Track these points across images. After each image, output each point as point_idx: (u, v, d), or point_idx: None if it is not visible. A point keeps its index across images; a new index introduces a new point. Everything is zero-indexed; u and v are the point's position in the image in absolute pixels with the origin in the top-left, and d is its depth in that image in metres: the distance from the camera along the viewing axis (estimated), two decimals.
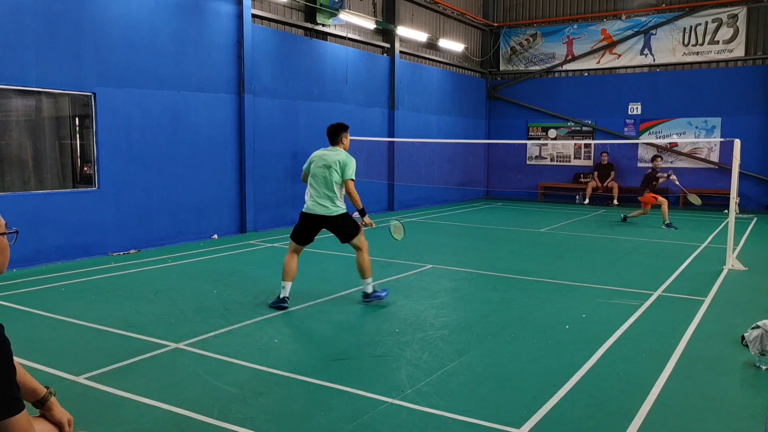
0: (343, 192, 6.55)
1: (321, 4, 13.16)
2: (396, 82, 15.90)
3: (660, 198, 13.52)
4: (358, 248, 6.62)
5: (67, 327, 5.75)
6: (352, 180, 6.46)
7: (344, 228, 6.55)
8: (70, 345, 5.26)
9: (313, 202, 6.47)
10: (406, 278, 8.02)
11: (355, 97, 14.67)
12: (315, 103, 13.43)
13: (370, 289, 6.64)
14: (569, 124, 19.61)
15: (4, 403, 1.86)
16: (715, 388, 4.44)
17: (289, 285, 6.46)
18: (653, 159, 14.25)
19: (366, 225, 6.64)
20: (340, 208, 6.49)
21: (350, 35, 14.49)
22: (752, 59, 17.11)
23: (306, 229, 6.60)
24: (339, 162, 6.45)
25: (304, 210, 6.57)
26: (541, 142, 19.80)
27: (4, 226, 2.07)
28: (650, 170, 13.91)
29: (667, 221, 13.22)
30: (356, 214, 6.71)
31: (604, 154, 18.24)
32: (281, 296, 6.43)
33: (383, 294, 6.70)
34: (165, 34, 10.06)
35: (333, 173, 6.42)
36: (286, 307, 6.38)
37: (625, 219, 14.22)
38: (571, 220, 14.53)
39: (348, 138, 6.76)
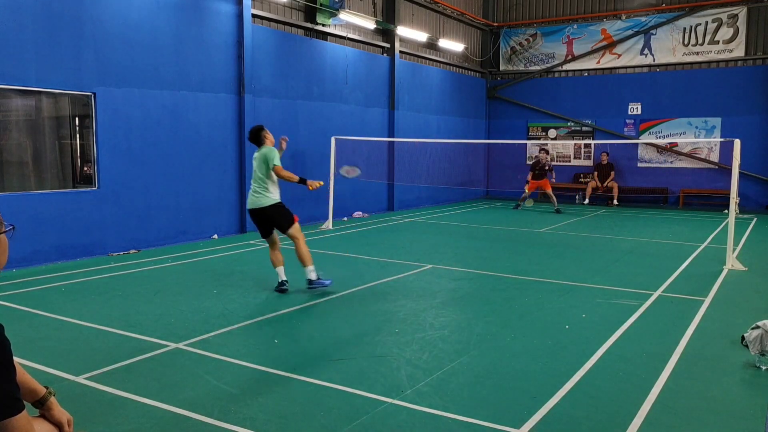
0: (276, 180, 7.15)
1: (321, 4, 13.17)
2: (396, 82, 15.90)
3: (542, 185, 16.35)
4: (294, 238, 7.12)
5: (67, 327, 5.75)
6: (278, 165, 7.04)
7: (279, 219, 7.13)
8: (70, 345, 5.26)
9: (251, 197, 7.19)
10: (406, 278, 8.02)
11: (355, 97, 14.68)
12: (315, 103, 13.43)
13: (313, 276, 7.11)
14: (569, 124, 19.61)
15: (4, 403, 1.86)
16: (715, 388, 4.44)
17: (281, 269, 7.19)
18: (539, 151, 17.50)
19: (313, 187, 7.19)
20: (271, 198, 7.10)
21: (350, 35, 14.50)
22: (752, 59, 17.11)
23: (258, 223, 7.27)
24: (264, 156, 7.09)
25: (248, 207, 7.30)
26: (541, 142, 19.79)
27: (2, 223, 2.07)
28: (536, 160, 16.71)
29: (556, 207, 16.23)
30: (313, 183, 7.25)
31: (604, 154, 18.24)
32: (279, 281, 7.15)
33: (327, 282, 7.19)
34: (165, 34, 10.06)
35: (261, 166, 7.08)
36: (286, 290, 7.08)
37: (517, 206, 16.96)
38: (571, 220, 14.53)
39: (269, 135, 7.34)
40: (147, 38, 9.78)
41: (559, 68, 19.69)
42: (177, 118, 10.37)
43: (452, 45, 18.06)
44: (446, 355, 5.04)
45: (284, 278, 7.15)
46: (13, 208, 8.09)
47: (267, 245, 7.45)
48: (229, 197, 11.46)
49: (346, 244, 10.76)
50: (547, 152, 17.56)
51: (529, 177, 16.75)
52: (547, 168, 16.46)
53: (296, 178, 7.10)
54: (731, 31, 17.14)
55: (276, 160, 7.02)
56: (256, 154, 7.22)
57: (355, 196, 14.68)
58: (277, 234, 7.30)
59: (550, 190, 16.40)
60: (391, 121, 16.01)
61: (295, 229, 7.13)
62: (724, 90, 17.29)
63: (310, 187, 7.15)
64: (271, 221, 7.15)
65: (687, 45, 17.73)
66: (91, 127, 9.22)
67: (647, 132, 18.37)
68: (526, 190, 16.84)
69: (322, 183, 7.33)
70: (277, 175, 7.04)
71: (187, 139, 10.55)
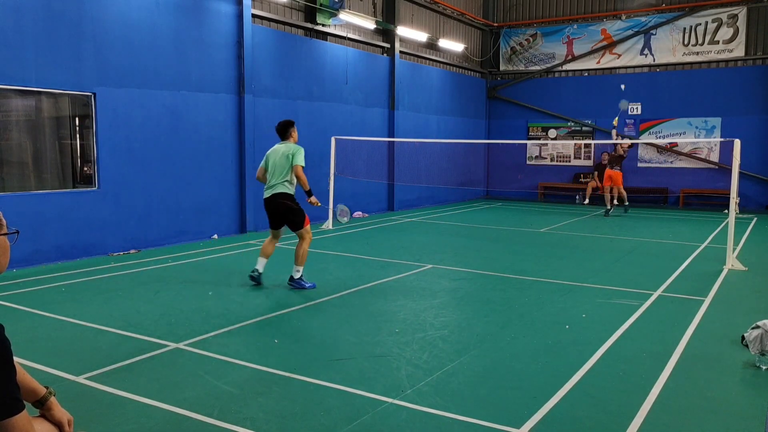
0: (294, 178, 7.25)
1: (321, 4, 13.17)
2: (396, 82, 15.90)
3: (615, 177, 15.41)
4: (302, 237, 7.28)
5: (67, 327, 5.75)
6: (302, 165, 7.18)
7: (293, 217, 7.23)
8: (70, 345, 5.26)
9: (267, 189, 7.27)
10: (406, 278, 8.02)
11: (355, 97, 14.68)
12: (315, 103, 13.43)
13: (297, 275, 7.30)
14: (569, 124, 19.61)
15: (4, 403, 1.86)
16: (715, 388, 4.44)
17: (263, 260, 7.38)
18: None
19: (313, 203, 7.36)
20: (289, 190, 7.24)
21: (350, 35, 14.50)
22: (752, 59, 17.11)
23: (271, 214, 7.35)
24: (292, 151, 7.20)
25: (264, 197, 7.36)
26: (541, 142, 19.80)
27: (5, 226, 2.07)
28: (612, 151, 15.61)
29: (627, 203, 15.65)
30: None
31: (605, 154, 18.20)
32: (256, 269, 7.36)
33: (308, 285, 7.31)
34: (165, 34, 10.06)
35: (283, 160, 7.18)
36: (256, 279, 7.33)
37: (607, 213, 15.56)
38: (571, 220, 14.53)
39: (295, 132, 7.47)
40: (147, 38, 9.78)
41: (559, 68, 19.69)
42: (177, 118, 10.37)
43: (452, 45, 18.06)
44: (446, 355, 5.04)
45: (260, 270, 7.34)
46: (13, 208, 8.09)
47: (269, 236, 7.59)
48: (229, 197, 11.46)
49: (346, 244, 10.76)
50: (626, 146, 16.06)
51: (599, 174, 15.78)
52: (617, 155, 15.38)
53: (308, 186, 7.27)
54: (731, 31, 17.14)
55: (302, 159, 7.15)
56: (278, 147, 7.26)
57: (355, 196, 14.67)
58: (282, 232, 7.45)
59: (621, 186, 15.54)
60: (391, 121, 16.01)
61: (306, 229, 7.25)
62: (724, 90, 17.29)
63: (312, 202, 7.30)
64: (284, 218, 7.26)
65: (687, 45, 17.73)
66: (91, 127, 9.22)
67: (647, 132, 18.37)
68: (604, 186, 15.58)
69: (320, 204, 7.55)
70: (296, 173, 7.13)
71: (187, 139, 10.55)
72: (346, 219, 8.70)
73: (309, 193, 7.29)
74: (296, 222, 7.22)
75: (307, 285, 7.28)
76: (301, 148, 7.23)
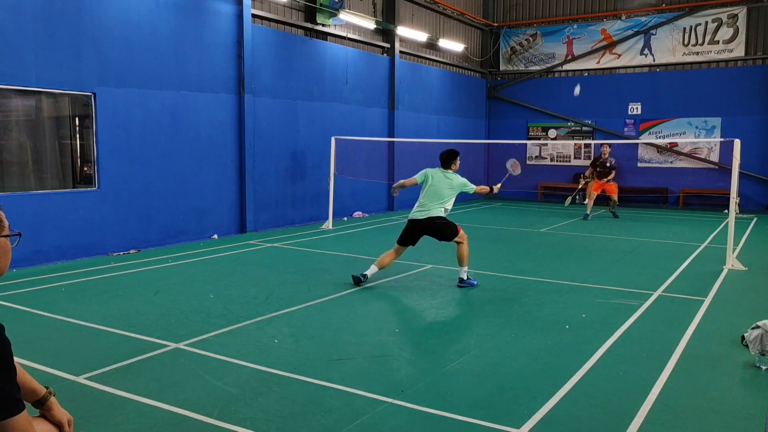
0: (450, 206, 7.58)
1: (321, 4, 13.16)
2: (396, 82, 15.90)
3: (608, 188, 15.12)
4: (459, 242, 7.49)
5: (67, 327, 5.75)
6: (473, 188, 7.65)
7: (446, 232, 7.47)
8: (70, 345, 5.26)
9: (420, 210, 7.47)
10: (406, 278, 8.02)
11: (355, 97, 14.67)
12: (315, 103, 13.43)
13: (464, 276, 7.51)
14: (569, 124, 19.61)
15: (4, 403, 1.86)
16: (715, 388, 4.44)
17: (376, 268, 7.53)
18: (601, 146, 15.70)
19: (497, 189, 7.95)
20: (444, 214, 7.50)
21: (350, 35, 14.49)
22: (752, 59, 17.11)
23: (413, 232, 7.56)
24: (459, 184, 7.57)
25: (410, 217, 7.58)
26: (541, 142, 19.80)
27: (7, 228, 2.07)
28: (597, 156, 15.24)
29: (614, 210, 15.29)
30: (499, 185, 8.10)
31: (606, 146, 17.32)
32: (366, 273, 7.49)
33: (475, 282, 7.58)
34: (165, 34, 10.06)
35: (446, 190, 7.50)
36: (361, 282, 7.44)
37: (586, 217, 15.21)
38: (571, 220, 14.53)
39: (458, 163, 7.70)
40: (147, 38, 9.78)
41: (559, 68, 19.69)
42: (177, 118, 10.37)
43: (452, 45, 18.05)
44: (446, 355, 5.04)
45: (369, 275, 7.45)
46: (13, 208, 8.08)
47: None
48: (229, 197, 11.46)
49: (346, 244, 10.76)
50: (609, 146, 15.49)
51: (589, 173, 15.32)
52: (608, 165, 14.94)
53: (487, 188, 7.84)
54: (731, 31, 17.14)
55: (471, 186, 7.58)
56: (440, 174, 7.52)
57: (355, 196, 14.68)
58: (405, 249, 7.65)
59: (616, 195, 15.22)
60: (391, 121, 16.01)
61: (460, 236, 7.45)
62: (724, 90, 17.29)
63: (495, 190, 7.90)
64: (437, 234, 7.44)
65: (687, 45, 17.73)
66: (91, 127, 9.22)
67: (647, 132, 18.36)
68: (591, 191, 15.07)
69: (499, 186, 8.07)
70: (479, 192, 7.71)
71: (187, 139, 10.55)
72: (518, 171, 9.18)
73: (491, 189, 7.85)
74: (450, 234, 7.42)
75: (474, 282, 7.56)
76: (465, 180, 7.57)
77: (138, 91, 9.70)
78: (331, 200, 12.71)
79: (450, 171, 7.56)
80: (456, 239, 7.43)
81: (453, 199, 7.53)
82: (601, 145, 15.80)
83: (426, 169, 7.64)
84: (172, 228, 10.37)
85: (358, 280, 7.41)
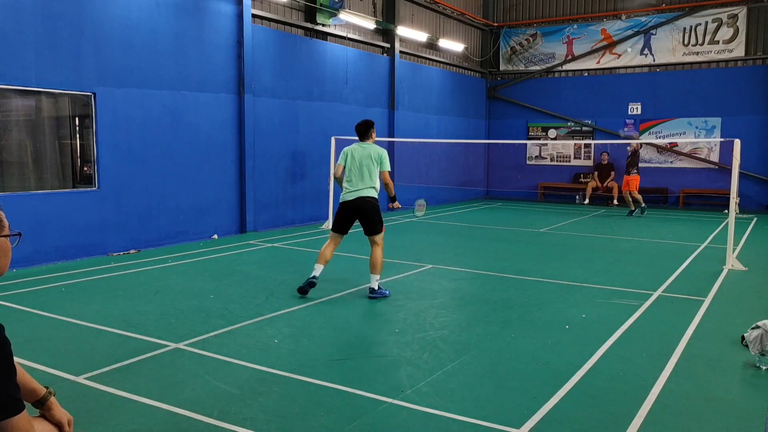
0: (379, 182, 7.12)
1: (321, 4, 13.16)
2: (396, 82, 15.90)
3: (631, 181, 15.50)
4: (377, 244, 7.06)
5: (67, 327, 5.75)
6: (389, 171, 7.14)
7: (374, 219, 7.03)
8: (70, 345, 5.26)
9: (349, 192, 7.02)
10: (406, 278, 8.02)
11: (355, 97, 14.67)
12: (315, 103, 13.43)
13: (376, 285, 7.02)
14: (569, 124, 19.61)
15: (4, 403, 1.86)
16: (715, 388, 4.44)
17: (321, 267, 7.03)
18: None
19: (397, 207, 7.57)
20: (376, 194, 7.08)
21: (350, 35, 14.49)
22: (752, 59, 17.11)
23: (346, 217, 7.11)
24: (379, 155, 7.07)
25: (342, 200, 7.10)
26: (541, 142, 19.80)
27: (7, 228, 2.07)
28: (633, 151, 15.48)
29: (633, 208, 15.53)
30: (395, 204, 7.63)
31: (605, 155, 18.20)
32: (313, 276, 6.96)
33: (387, 293, 7.08)
34: (165, 35, 10.06)
35: (371, 163, 7.03)
36: (312, 286, 6.90)
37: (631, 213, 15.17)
38: (571, 220, 14.53)
39: (374, 133, 7.31)
40: (147, 38, 9.78)
41: (559, 68, 19.69)
42: (177, 118, 10.36)
43: (452, 45, 18.05)
44: (446, 355, 5.04)
45: (318, 275, 6.95)
46: (13, 208, 8.08)
47: (326, 242, 7.27)
48: (229, 197, 11.46)
49: (345, 243, 10.72)
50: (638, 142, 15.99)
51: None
52: (628, 158, 15.42)
53: (393, 192, 7.31)
54: (731, 31, 17.14)
55: (388, 164, 7.10)
56: (359, 148, 7.06)
57: None
58: (342, 237, 7.19)
59: (636, 191, 15.46)
60: (391, 121, 16.01)
61: (381, 235, 7.07)
62: (724, 90, 17.29)
63: (395, 206, 7.54)
64: (366, 219, 7.00)
65: (687, 45, 17.73)
66: (91, 127, 9.22)
67: (647, 132, 18.37)
68: (623, 190, 15.79)
69: (401, 207, 7.80)
70: (385, 180, 7.08)
71: (187, 139, 10.55)
72: (421, 213, 8.86)
73: (393, 198, 7.38)
74: (377, 223, 7.00)
75: (386, 293, 7.05)
76: (385, 151, 7.09)
77: (138, 91, 9.70)
78: (331, 200, 12.70)
79: (367, 142, 7.14)
80: (377, 237, 7.01)
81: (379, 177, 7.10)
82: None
83: (344, 148, 7.21)
84: (172, 228, 10.37)
85: (311, 284, 6.87)
